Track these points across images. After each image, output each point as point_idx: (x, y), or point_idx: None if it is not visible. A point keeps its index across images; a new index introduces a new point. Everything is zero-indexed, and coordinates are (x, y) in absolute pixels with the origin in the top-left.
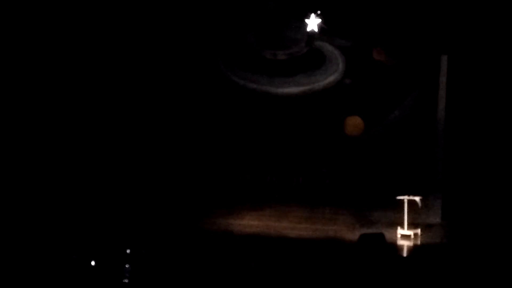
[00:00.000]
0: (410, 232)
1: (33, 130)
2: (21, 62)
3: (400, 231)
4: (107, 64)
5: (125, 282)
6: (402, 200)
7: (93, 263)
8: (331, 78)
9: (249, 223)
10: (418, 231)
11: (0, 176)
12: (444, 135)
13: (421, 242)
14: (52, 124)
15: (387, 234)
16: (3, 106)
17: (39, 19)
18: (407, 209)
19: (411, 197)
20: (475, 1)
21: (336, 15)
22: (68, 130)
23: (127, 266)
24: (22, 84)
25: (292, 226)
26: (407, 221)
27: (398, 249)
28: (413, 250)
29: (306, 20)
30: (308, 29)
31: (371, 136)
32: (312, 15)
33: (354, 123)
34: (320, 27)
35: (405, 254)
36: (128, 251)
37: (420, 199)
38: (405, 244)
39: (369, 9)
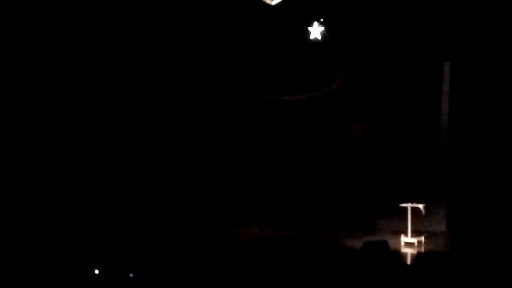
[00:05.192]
0: (414, 240)
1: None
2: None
3: (403, 239)
4: (108, 73)
5: None
6: (406, 208)
7: (96, 271)
8: (334, 86)
9: (253, 231)
10: (422, 238)
11: (1, 182)
12: (447, 142)
13: (425, 249)
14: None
15: (391, 242)
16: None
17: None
18: (411, 217)
19: (415, 205)
20: (478, 8)
21: (339, 23)
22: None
23: (130, 275)
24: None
25: (295, 234)
26: (411, 228)
27: (402, 256)
28: (417, 257)
29: (309, 28)
30: (311, 37)
31: (374, 143)
32: (315, 23)
33: (357, 131)
34: (323, 35)
35: (409, 262)
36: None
37: (424, 207)
38: (408, 251)
39: (372, 17)
